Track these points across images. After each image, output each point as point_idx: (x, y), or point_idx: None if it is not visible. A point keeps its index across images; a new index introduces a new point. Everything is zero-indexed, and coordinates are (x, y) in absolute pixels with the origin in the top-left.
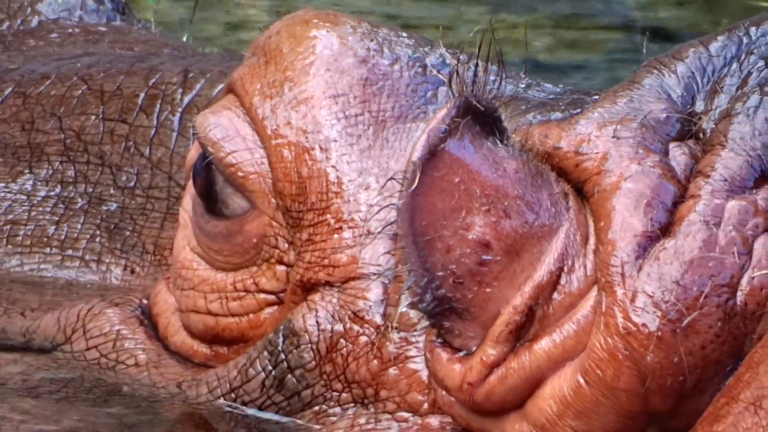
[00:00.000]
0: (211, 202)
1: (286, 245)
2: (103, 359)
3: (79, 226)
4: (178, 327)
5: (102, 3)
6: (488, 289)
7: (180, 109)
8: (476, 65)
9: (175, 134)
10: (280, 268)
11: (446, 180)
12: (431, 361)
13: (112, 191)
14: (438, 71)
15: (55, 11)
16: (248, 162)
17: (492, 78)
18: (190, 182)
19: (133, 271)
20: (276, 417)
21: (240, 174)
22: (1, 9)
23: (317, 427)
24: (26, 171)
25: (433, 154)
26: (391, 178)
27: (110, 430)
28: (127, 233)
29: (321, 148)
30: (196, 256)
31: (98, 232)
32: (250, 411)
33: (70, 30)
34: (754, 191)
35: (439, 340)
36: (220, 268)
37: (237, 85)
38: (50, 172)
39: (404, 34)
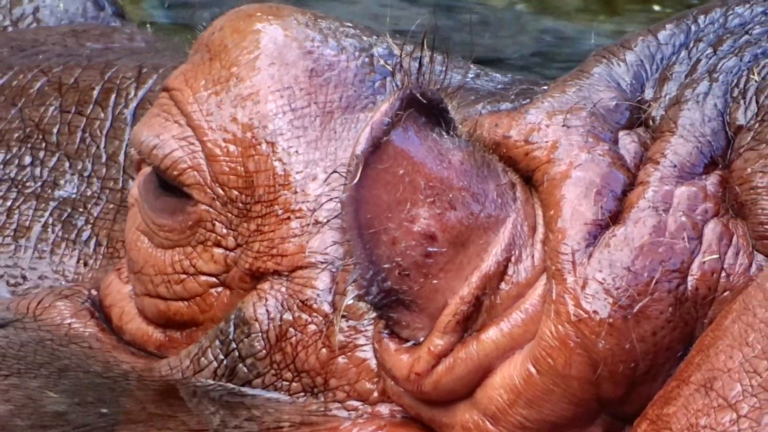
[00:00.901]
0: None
1: (225, 230)
2: (56, 339)
3: (31, 212)
4: (134, 314)
5: (102, 9)
6: (435, 281)
7: (134, 104)
8: (421, 56)
9: (128, 128)
10: (218, 251)
11: (390, 172)
12: (379, 352)
13: (67, 177)
14: (385, 61)
15: (57, 19)
16: (180, 159)
17: (438, 68)
18: (140, 172)
19: (85, 264)
20: (231, 386)
21: (175, 173)
22: (3, 15)
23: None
24: None
25: (376, 147)
26: (335, 171)
27: (58, 409)
28: (81, 224)
29: (268, 143)
30: (140, 235)
31: (51, 220)
32: (205, 384)
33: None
34: (704, 177)
35: (387, 331)
36: (159, 245)
37: (178, 81)
38: (8, 156)
39: (349, 24)
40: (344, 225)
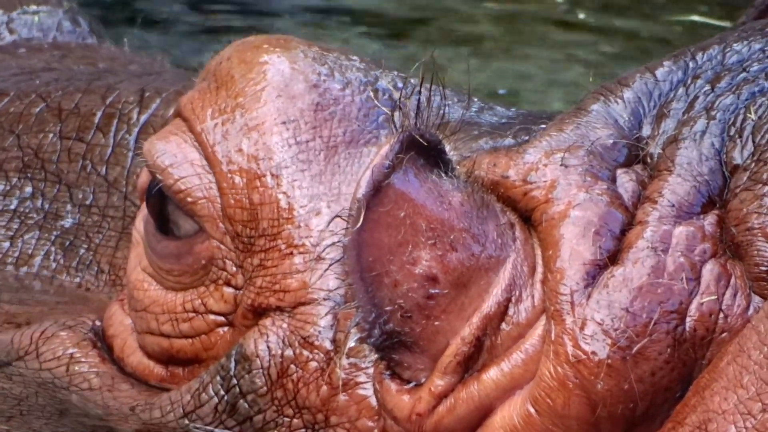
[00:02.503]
0: (163, 222)
1: (234, 268)
2: (57, 381)
3: (33, 241)
4: (135, 348)
5: (78, 24)
6: (436, 322)
7: (136, 129)
8: (419, 95)
9: (131, 154)
10: (228, 290)
11: (392, 215)
12: (380, 392)
13: (68, 208)
14: (389, 96)
15: (30, 31)
16: (197, 187)
17: (438, 103)
18: (143, 204)
19: (87, 290)
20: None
21: (189, 199)
22: None
23: None
24: None
25: (377, 190)
26: (337, 216)
27: None
28: (82, 251)
29: (272, 175)
30: (147, 276)
31: (53, 249)
32: (201, 426)
33: (38, 47)
34: (702, 216)
35: (389, 372)
36: (170, 288)
37: (187, 109)
38: (8, 188)
39: (355, 58)
40: (346, 269)
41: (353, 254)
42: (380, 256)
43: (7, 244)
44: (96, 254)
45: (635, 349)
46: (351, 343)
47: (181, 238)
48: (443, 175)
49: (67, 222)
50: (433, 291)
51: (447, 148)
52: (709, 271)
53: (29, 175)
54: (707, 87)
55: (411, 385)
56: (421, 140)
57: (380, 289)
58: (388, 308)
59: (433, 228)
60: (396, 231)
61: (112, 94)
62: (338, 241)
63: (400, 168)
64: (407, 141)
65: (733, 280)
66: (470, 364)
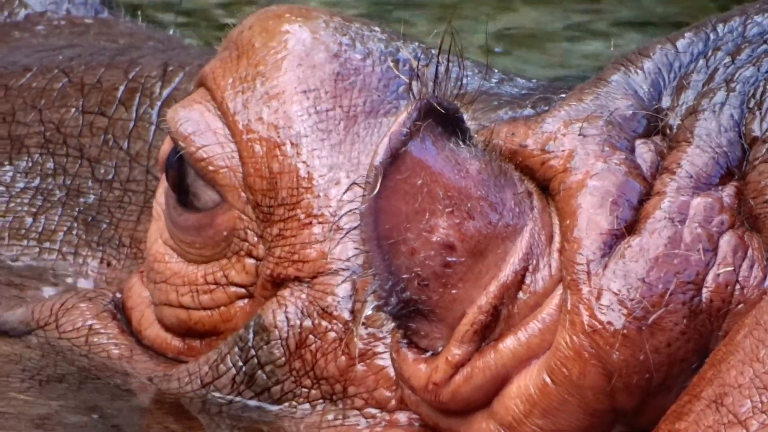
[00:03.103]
0: (183, 194)
1: (256, 238)
2: (76, 349)
3: (56, 218)
4: (152, 320)
5: None
6: (453, 291)
7: (159, 103)
8: (437, 64)
9: (153, 128)
10: (249, 261)
11: (409, 183)
12: (397, 362)
13: (90, 184)
14: (410, 66)
15: (43, 4)
16: (219, 156)
17: (455, 76)
18: (164, 175)
19: (109, 264)
20: (248, 402)
21: (211, 168)
22: None
23: (285, 424)
24: (6, 162)
25: (395, 158)
26: (354, 184)
27: (77, 420)
28: (104, 226)
29: (292, 144)
30: (168, 249)
31: (75, 225)
32: (223, 400)
33: (56, 22)
34: (720, 188)
35: (405, 341)
36: (191, 260)
37: (208, 78)
38: (30, 164)
39: (377, 29)
40: (363, 236)
41: (370, 221)
42: (397, 223)
43: (30, 220)
44: (118, 228)
45: (651, 319)
46: (368, 311)
47: (201, 210)
48: (461, 143)
49: (90, 198)
50: (450, 259)
51: (465, 116)
52: (727, 242)
53: (51, 150)
54: (728, 59)
55: (428, 354)
56: (439, 108)
57: (397, 256)
58: (404, 276)
59: (451, 196)
60: (413, 199)
61: (134, 69)
62: (355, 209)
63: (417, 136)
64: (425, 109)
65: (750, 251)
66: (487, 333)
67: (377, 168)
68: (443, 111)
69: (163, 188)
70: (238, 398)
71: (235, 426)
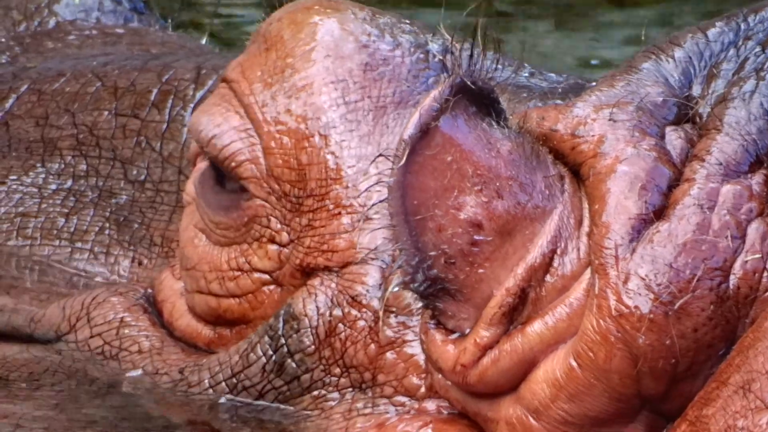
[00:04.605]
0: (221, 174)
1: (279, 225)
2: (106, 347)
3: (88, 218)
4: (184, 310)
5: (119, 3)
6: (480, 270)
7: (192, 105)
8: (472, 45)
9: (186, 129)
10: (272, 248)
11: (438, 159)
12: (425, 343)
13: (122, 185)
14: (440, 58)
15: (72, 12)
16: (239, 151)
17: (489, 61)
18: (195, 168)
19: (140, 263)
20: (274, 405)
21: (233, 164)
22: (18, 10)
23: (315, 413)
24: (38, 165)
25: (425, 133)
26: (380, 155)
27: (107, 423)
28: (136, 226)
29: (321, 135)
30: (198, 232)
31: (107, 225)
32: (248, 402)
33: (88, 32)
34: (749, 176)
35: (433, 322)
36: (216, 242)
37: (235, 72)
38: (62, 166)
39: (406, 21)
40: (390, 210)
41: (397, 195)
42: (425, 200)
43: (62, 221)
44: (149, 228)
45: (678, 304)
46: (394, 288)
47: (233, 191)
48: (494, 124)
49: (122, 198)
50: (477, 237)
51: (500, 98)
52: (755, 229)
53: (83, 152)
54: (758, 48)
55: (456, 335)
56: (472, 87)
57: (424, 233)
58: (432, 253)
59: (480, 174)
60: (442, 175)
61: (168, 72)
62: (382, 182)
63: (448, 112)
64: (458, 87)
65: None
66: (515, 315)
67: (406, 141)
68: (476, 89)
69: (193, 178)
70: (265, 402)
71: (262, 424)
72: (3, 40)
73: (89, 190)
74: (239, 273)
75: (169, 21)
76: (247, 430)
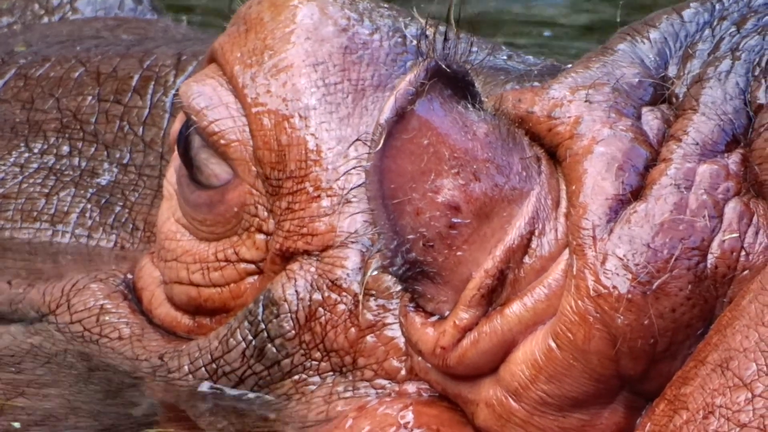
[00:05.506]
0: (192, 171)
1: (266, 213)
2: (87, 333)
3: (69, 199)
4: (162, 299)
5: (140, 2)
6: (459, 253)
7: (173, 91)
8: (446, 29)
9: (167, 115)
10: (260, 237)
11: (415, 142)
12: (405, 326)
13: (105, 166)
14: (417, 42)
15: (94, 9)
16: (230, 130)
17: (464, 44)
18: (175, 155)
19: (122, 247)
20: (253, 394)
21: (222, 142)
22: (39, 4)
23: (295, 397)
24: (22, 144)
25: (401, 117)
26: (357, 140)
27: (89, 408)
28: (118, 209)
29: (300, 116)
30: (180, 227)
31: (89, 207)
32: (229, 390)
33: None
34: (726, 155)
35: (413, 305)
36: (203, 238)
37: (218, 53)
38: (45, 146)
39: (385, 6)
40: (368, 194)
41: (375, 180)
42: (403, 183)
43: (42, 201)
44: (132, 212)
45: (656, 284)
46: (372, 272)
47: (213, 187)
48: (470, 106)
49: (104, 180)
50: (455, 220)
51: (475, 81)
52: (732, 209)
53: (67, 135)
54: (733, 28)
55: (435, 318)
56: (447, 70)
57: (402, 216)
58: (410, 236)
59: (457, 157)
60: (419, 158)
61: (149, 58)
62: (359, 167)
63: (424, 95)
64: (433, 70)
65: (755, 218)
66: (494, 297)
67: (383, 125)
68: (451, 72)
69: (174, 167)
70: (243, 389)
71: (242, 412)
72: (16, 28)
73: (70, 170)
74: (225, 263)
75: (183, 18)
76: (228, 416)
